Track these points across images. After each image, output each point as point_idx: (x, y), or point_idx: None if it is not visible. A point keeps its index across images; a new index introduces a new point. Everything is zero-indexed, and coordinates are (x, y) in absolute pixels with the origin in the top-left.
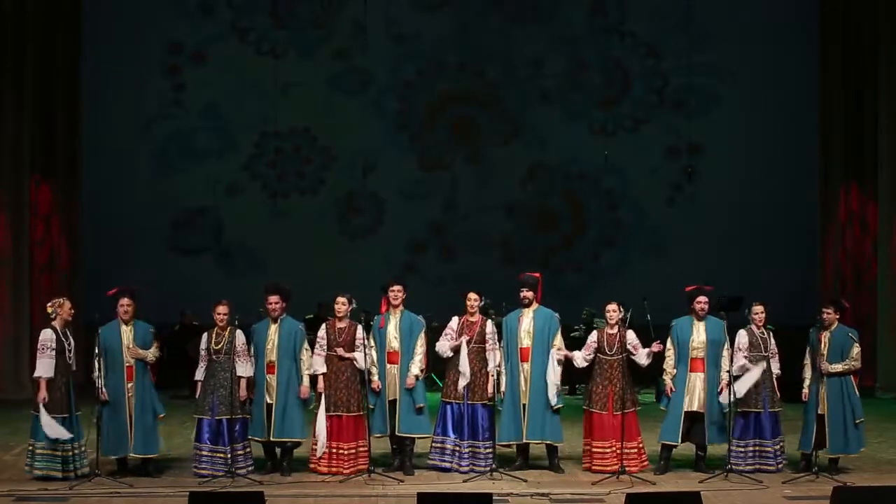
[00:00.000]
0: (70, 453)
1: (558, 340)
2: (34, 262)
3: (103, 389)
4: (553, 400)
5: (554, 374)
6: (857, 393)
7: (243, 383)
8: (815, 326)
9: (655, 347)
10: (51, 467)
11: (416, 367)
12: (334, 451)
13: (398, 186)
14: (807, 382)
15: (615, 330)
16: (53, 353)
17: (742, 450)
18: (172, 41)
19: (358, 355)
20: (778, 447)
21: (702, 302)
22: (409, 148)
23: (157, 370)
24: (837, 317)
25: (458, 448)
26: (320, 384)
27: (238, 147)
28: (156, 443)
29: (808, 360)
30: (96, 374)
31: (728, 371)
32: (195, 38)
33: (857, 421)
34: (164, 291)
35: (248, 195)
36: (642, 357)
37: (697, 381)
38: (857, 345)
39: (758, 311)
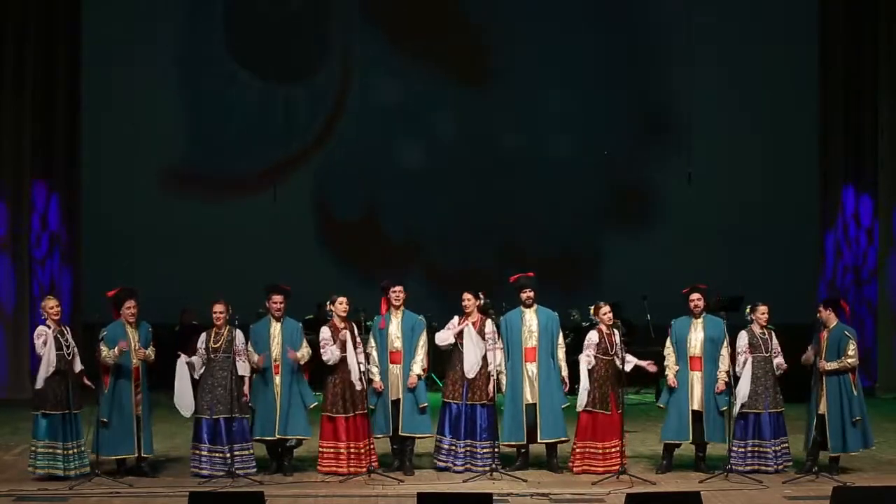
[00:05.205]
0: (71, 452)
1: (561, 339)
2: (34, 260)
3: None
4: (564, 400)
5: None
6: (856, 392)
7: (247, 381)
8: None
9: (650, 368)
10: (52, 466)
11: (418, 366)
12: (332, 450)
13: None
14: (813, 381)
15: (609, 330)
16: (47, 340)
17: (742, 450)
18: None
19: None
20: (779, 448)
21: (695, 300)
22: None
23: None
24: (833, 315)
25: (453, 448)
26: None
27: None
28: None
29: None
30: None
31: (727, 371)
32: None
33: (854, 419)
34: (163, 291)
35: (248, 195)
36: (626, 363)
37: (696, 379)
38: (853, 342)
39: (763, 311)
